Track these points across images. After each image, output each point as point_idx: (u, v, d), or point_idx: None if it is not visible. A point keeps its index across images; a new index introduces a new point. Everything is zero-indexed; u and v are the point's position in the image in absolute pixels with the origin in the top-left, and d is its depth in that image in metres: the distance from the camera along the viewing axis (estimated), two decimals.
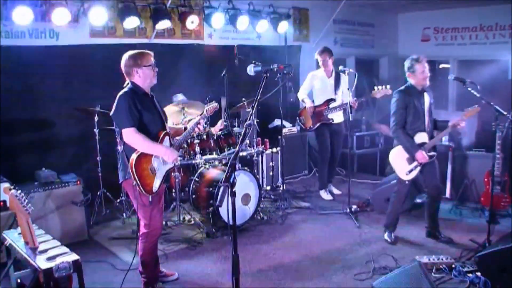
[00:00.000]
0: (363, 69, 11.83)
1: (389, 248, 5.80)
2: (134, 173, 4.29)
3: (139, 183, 4.31)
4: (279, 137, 7.76)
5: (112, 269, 5.33)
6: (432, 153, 5.64)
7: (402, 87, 5.75)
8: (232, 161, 3.14)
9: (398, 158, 5.77)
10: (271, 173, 8.11)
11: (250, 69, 4.08)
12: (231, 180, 3.02)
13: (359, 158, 9.83)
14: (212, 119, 7.23)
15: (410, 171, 5.69)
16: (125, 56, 4.47)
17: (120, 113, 4.31)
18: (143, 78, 4.46)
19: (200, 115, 5.12)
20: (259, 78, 3.77)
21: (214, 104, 5.26)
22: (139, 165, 4.32)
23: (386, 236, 6.06)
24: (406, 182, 5.79)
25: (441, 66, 12.46)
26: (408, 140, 5.62)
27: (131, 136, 4.30)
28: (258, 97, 3.61)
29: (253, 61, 4.22)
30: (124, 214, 6.67)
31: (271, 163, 8.07)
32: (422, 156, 5.52)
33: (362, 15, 11.42)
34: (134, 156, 4.31)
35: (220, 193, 3.04)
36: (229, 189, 3.03)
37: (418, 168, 5.67)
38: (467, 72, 10.79)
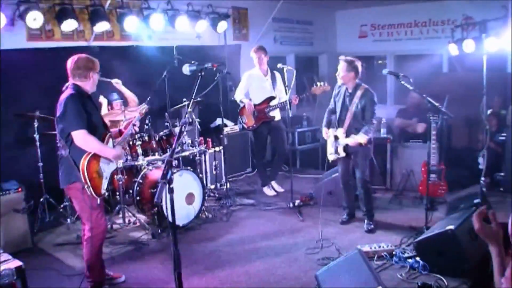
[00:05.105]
0: (303, 66, 12.07)
1: (332, 239, 5.96)
2: (86, 176, 4.31)
3: (90, 186, 4.33)
4: (221, 136, 7.86)
5: (58, 276, 5.26)
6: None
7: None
8: (168, 158, 3.24)
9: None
10: (214, 172, 8.18)
11: (186, 69, 4.18)
12: (168, 177, 3.10)
13: (301, 153, 10.04)
14: (154, 119, 7.26)
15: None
16: (80, 58, 4.50)
17: (69, 115, 4.29)
18: (93, 83, 4.58)
19: (134, 117, 5.31)
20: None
21: (145, 106, 5.65)
22: (89, 168, 4.35)
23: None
24: None
25: (380, 61, 12.85)
26: None
27: (82, 138, 4.31)
28: (194, 95, 3.70)
29: (192, 61, 4.31)
30: (69, 220, 6.57)
31: (214, 162, 8.14)
32: None
33: (301, 13, 11.62)
34: (85, 160, 4.32)
35: (158, 190, 3.10)
36: (167, 186, 3.10)
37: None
38: (404, 67, 11.16)
